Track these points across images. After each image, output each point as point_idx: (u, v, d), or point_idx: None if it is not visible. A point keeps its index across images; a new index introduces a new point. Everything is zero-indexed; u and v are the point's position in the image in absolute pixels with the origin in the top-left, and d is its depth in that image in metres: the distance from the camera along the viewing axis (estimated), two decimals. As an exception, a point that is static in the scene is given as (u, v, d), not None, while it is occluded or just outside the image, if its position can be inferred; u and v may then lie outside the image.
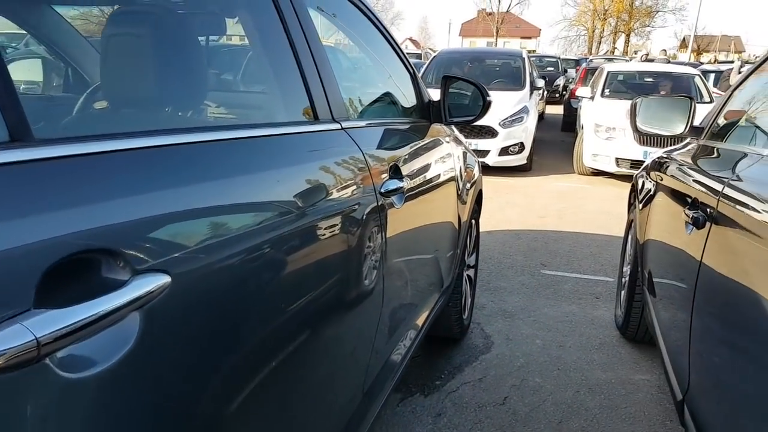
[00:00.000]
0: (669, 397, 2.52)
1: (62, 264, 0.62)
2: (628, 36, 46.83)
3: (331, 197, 1.21)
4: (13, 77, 0.66)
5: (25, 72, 1.65)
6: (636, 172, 6.69)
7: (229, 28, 1.45)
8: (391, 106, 2.11)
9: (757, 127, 1.79)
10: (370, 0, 1.94)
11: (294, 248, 1.05)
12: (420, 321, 2.11)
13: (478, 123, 7.03)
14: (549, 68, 19.05)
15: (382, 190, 1.50)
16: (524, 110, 7.43)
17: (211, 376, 0.86)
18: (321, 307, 1.19)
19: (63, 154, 0.68)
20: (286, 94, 1.30)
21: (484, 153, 7.12)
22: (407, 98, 2.17)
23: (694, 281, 1.56)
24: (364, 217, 1.37)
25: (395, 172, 1.65)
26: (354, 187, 1.33)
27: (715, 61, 18.09)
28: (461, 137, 2.86)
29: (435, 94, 2.26)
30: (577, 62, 21.27)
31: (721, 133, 2.03)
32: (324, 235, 1.17)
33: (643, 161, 6.63)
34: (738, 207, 1.33)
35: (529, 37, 56.93)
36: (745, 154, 1.64)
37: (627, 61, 16.53)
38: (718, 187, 1.51)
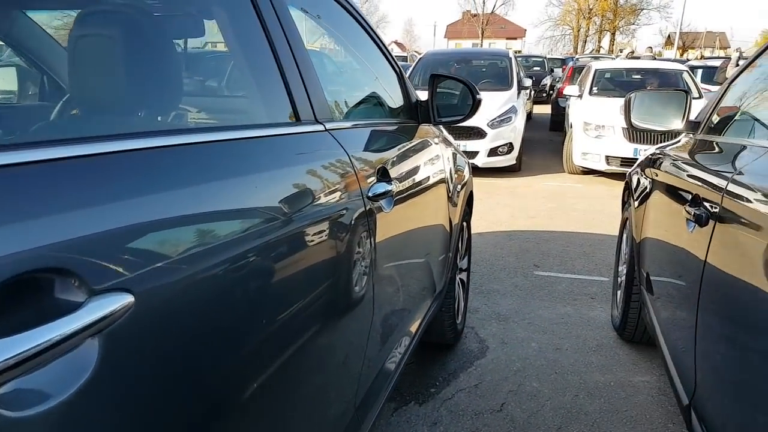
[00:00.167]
0: (670, 399, 2.47)
1: (4, 287, 0.54)
2: (613, 34, 47.09)
3: (315, 202, 1.13)
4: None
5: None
6: (627, 170, 6.72)
7: (205, 28, 1.38)
8: (378, 106, 2.04)
9: (757, 119, 1.73)
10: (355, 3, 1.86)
11: (275, 259, 0.97)
12: (413, 328, 2.04)
13: (467, 124, 7.07)
14: (535, 68, 19.11)
15: (370, 194, 1.43)
16: (512, 110, 7.39)
17: (183, 405, 0.77)
18: (307, 320, 1.11)
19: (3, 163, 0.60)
20: (265, 94, 1.23)
21: (472, 154, 7.07)
22: (394, 99, 2.10)
23: (699, 281, 1.49)
24: (351, 222, 1.30)
25: (383, 175, 1.57)
26: (340, 191, 1.26)
27: (701, 57, 18.20)
28: (450, 138, 2.79)
29: (423, 97, 2.19)
30: (563, 61, 21.34)
31: (719, 126, 1.98)
32: (308, 243, 1.09)
33: (634, 159, 6.72)
34: (745, 203, 1.27)
35: (515, 38, 57.13)
36: (746, 147, 1.58)
37: (613, 59, 16.58)
38: (721, 182, 1.44)
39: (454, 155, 2.65)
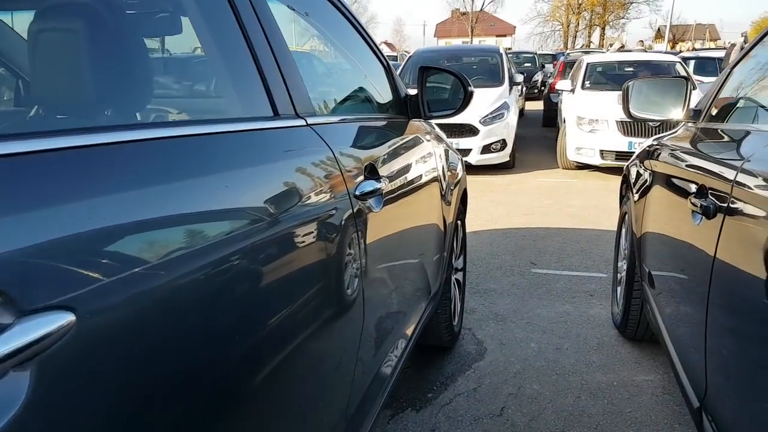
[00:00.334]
0: (676, 398, 2.39)
1: None
2: (603, 29, 47.11)
3: (295, 202, 1.04)
4: None
5: None
6: (622, 163, 6.67)
7: (175, 18, 1.28)
8: (365, 101, 1.95)
9: (763, 106, 1.65)
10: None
11: (248, 267, 0.88)
12: (408, 332, 1.96)
13: (459, 121, 7.00)
14: (526, 64, 19.04)
15: (357, 193, 1.33)
16: (504, 106, 7.31)
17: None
18: (288, 332, 1.02)
19: None
20: (237, 86, 1.13)
21: (465, 152, 6.99)
22: (382, 93, 2.01)
23: (708, 276, 1.41)
24: (337, 223, 1.21)
25: (371, 173, 1.48)
26: (323, 190, 1.17)
27: (693, 49, 18.21)
28: (442, 134, 2.71)
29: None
30: (554, 57, 21.30)
31: (722, 113, 1.89)
32: (287, 248, 1.00)
33: (629, 152, 6.65)
34: (757, 192, 1.18)
35: (504, 35, 57.09)
36: (753, 133, 1.49)
37: (603, 53, 16.55)
38: (729, 172, 1.36)
39: (447, 152, 2.56)
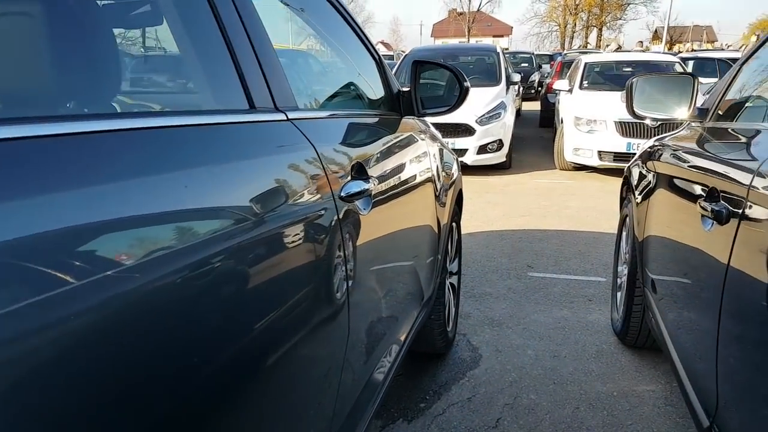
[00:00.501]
0: (678, 410, 2.30)
1: None
2: (600, 30, 47.04)
3: (270, 205, 0.93)
4: None
5: None
6: (620, 165, 6.60)
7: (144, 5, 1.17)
8: (355, 96, 1.84)
9: None
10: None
11: (212, 278, 0.77)
12: (399, 339, 1.86)
13: (455, 121, 6.89)
14: (523, 64, 18.94)
15: (343, 194, 1.23)
16: (501, 106, 7.21)
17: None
18: (268, 342, 0.92)
19: None
20: (207, 76, 1.02)
21: (461, 152, 6.89)
22: (373, 89, 1.90)
23: (720, 286, 1.31)
24: (318, 227, 1.10)
25: (359, 173, 1.37)
26: (303, 190, 1.06)
27: (692, 50, 18.20)
28: (437, 133, 2.60)
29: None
30: (551, 57, 21.23)
31: (731, 112, 1.79)
32: (260, 254, 0.89)
33: (627, 153, 6.57)
34: None
35: (501, 35, 57.03)
36: (762, 133, 1.39)
37: (601, 53, 16.49)
38: (745, 175, 1.25)
39: (441, 151, 2.45)
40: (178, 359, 0.71)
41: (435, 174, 2.23)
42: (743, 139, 1.58)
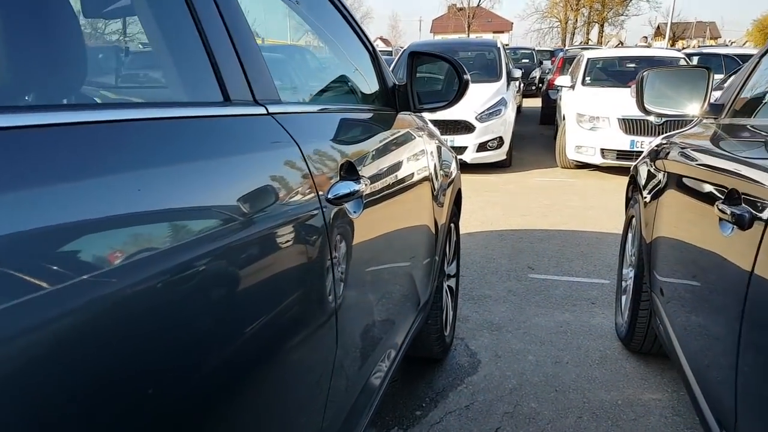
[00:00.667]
0: (686, 420, 2.20)
1: None
2: (602, 26, 46.78)
3: (241, 211, 0.82)
4: None
5: None
6: (623, 163, 6.49)
7: None
8: (347, 90, 1.73)
9: None
10: None
11: (177, 293, 0.66)
12: (395, 345, 1.77)
13: (453, 117, 6.76)
14: (524, 60, 18.81)
15: (330, 196, 1.12)
16: (502, 102, 7.09)
17: None
18: (249, 354, 0.82)
19: None
20: (172, 63, 0.90)
21: (460, 150, 6.77)
22: (367, 82, 1.79)
23: (743, 293, 1.20)
24: (301, 233, 0.99)
25: (349, 173, 1.26)
26: (284, 193, 0.95)
27: (698, 46, 18.08)
28: (435, 130, 2.49)
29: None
30: (552, 53, 21.08)
31: (749, 108, 1.67)
32: (232, 264, 0.78)
33: (631, 151, 6.45)
34: None
35: (502, 31, 56.69)
36: None
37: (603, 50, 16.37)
38: None
39: (439, 148, 2.34)
40: (149, 369, 0.63)
41: (432, 173, 2.12)
42: (765, 137, 1.47)
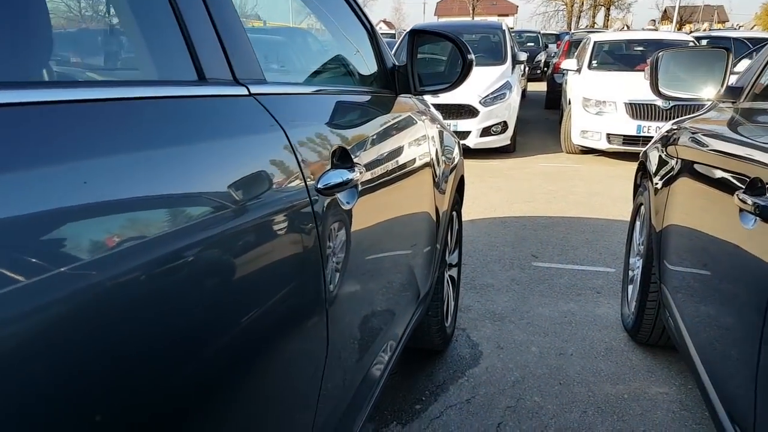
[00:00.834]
0: (694, 415, 2.13)
1: None
2: (608, 9, 46.18)
3: (214, 203, 0.73)
4: None
5: None
6: (629, 148, 6.37)
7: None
8: (343, 71, 1.63)
9: None
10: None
11: (141, 296, 0.58)
12: (394, 338, 1.70)
13: (456, 101, 6.64)
14: (529, 44, 18.55)
15: (321, 186, 1.03)
16: (506, 86, 6.96)
17: None
18: (229, 358, 0.74)
19: None
20: (136, 37, 0.81)
21: (463, 135, 6.65)
22: (364, 63, 1.69)
23: (766, 289, 1.12)
24: (285, 227, 0.90)
25: (343, 160, 1.17)
26: (265, 183, 0.86)
27: (708, 30, 17.87)
28: (437, 114, 2.39)
29: None
30: (557, 37, 20.83)
31: (772, 91, 1.57)
32: (208, 262, 0.70)
33: (637, 136, 6.33)
34: None
35: (507, 14, 56.06)
36: None
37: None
38: None
39: (441, 133, 2.25)
40: (127, 367, 0.58)
41: (434, 159, 2.03)
42: None
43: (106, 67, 0.85)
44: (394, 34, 18.38)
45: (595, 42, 8.00)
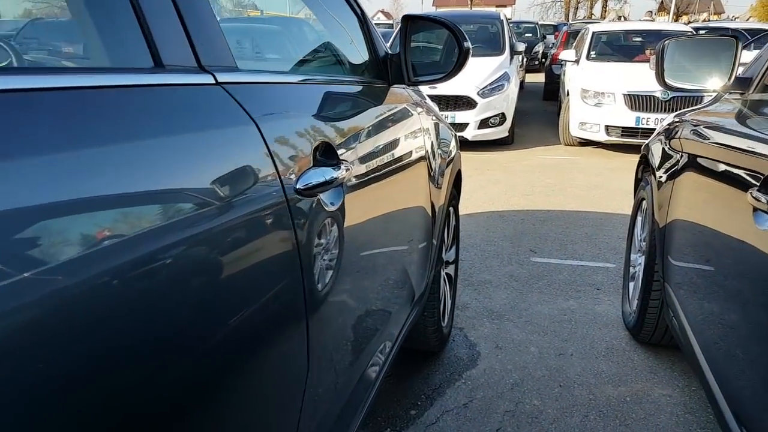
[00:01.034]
0: (699, 419, 2.05)
1: None
2: (605, 0, 45.98)
3: (169, 207, 0.64)
4: None
5: None
6: (628, 140, 6.28)
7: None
8: (328, 59, 1.53)
9: None
10: None
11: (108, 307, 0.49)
12: (388, 341, 1.62)
13: (454, 93, 6.53)
14: (527, 34, 18.42)
15: (300, 186, 0.93)
16: (504, 77, 6.85)
17: None
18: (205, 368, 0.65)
19: None
20: (77, 12, 0.71)
21: (461, 126, 6.55)
22: (354, 50, 1.59)
23: None
24: (255, 233, 0.81)
25: (326, 156, 1.08)
26: (228, 184, 0.76)
27: (707, 20, 17.80)
28: (433, 106, 2.29)
29: None
30: (555, 27, 20.69)
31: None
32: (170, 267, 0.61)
33: (636, 128, 6.24)
34: None
35: (505, 5, 55.70)
36: None
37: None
38: None
39: (437, 126, 2.15)
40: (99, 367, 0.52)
41: (429, 153, 1.93)
42: None
43: (45, 51, 0.74)
44: (392, 24, 18.23)
45: (593, 33, 7.89)
